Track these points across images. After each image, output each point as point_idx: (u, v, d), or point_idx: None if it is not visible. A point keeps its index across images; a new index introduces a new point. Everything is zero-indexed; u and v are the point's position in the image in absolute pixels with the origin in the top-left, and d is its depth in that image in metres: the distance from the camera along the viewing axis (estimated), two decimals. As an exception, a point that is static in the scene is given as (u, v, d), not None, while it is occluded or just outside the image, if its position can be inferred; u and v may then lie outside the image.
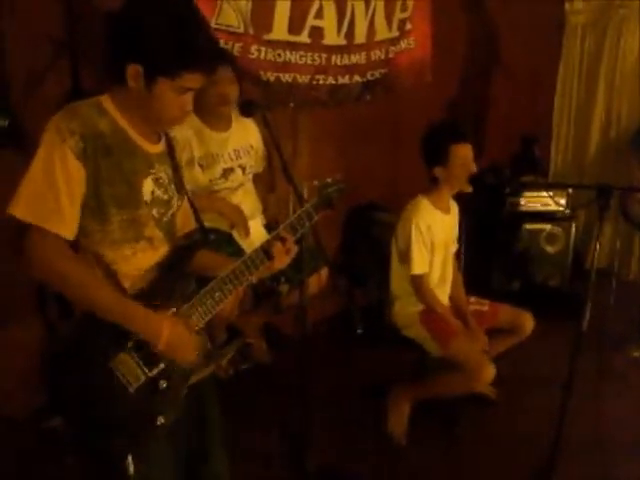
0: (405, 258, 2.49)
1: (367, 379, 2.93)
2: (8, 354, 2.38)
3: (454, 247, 2.70)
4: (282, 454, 2.35)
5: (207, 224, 2.49)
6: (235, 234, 2.56)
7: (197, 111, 2.49)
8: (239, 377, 2.84)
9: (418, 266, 2.46)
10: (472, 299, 2.70)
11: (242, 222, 2.54)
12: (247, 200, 2.69)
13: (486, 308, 2.65)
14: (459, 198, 2.67)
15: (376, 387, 2.74)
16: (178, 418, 1.43)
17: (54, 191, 1.26)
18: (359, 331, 3.34)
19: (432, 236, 2.50)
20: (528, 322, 2.58)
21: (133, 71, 1.30)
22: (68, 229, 1.29)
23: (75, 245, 1.34)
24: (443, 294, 2.62)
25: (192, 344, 1.42)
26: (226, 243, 2.50)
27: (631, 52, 4.27)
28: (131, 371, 1.35)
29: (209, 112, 2.49)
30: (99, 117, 1.33)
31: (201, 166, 2.49)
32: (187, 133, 2.44)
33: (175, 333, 1.36)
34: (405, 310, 2.58)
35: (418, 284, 2.49)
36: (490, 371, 2.32)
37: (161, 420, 1.38)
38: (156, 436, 1.39)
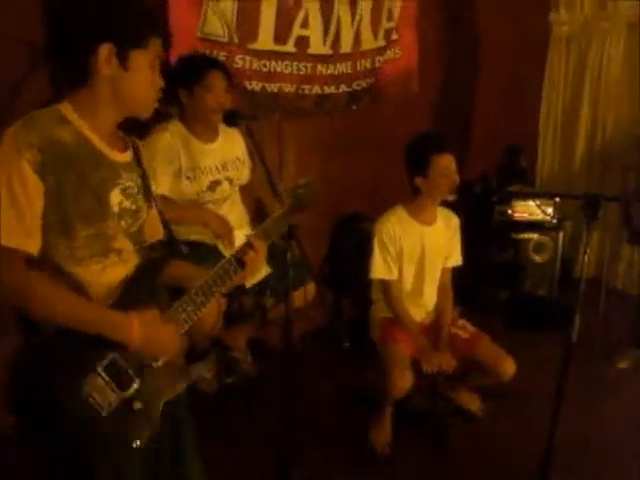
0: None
1: (353, 392, 2.89)
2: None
3: (443, 262, 2.64)
4: (268, 468, 2.30)
5: (193, 237, 2.49)
6: (220, 245, 2.52)
7: (184, 121, 2.47)
8: (224, 391, 2.79)
9: (376, 271, 2.51)
10: (460, 322, 2.64)
11: (227, 233, 2.51)
12: (234, 211, 2.67)
13: (466, 336, 2.56)
14: (448, 207, 2.66)
15: (361, 399, 2.71)
16: (153, 440, 1.36)
17: (16, 208, 1.21)
18: (345, 344, 3.30)
19: (400, 245, 2.50)
20: (508, 367, 2.42)
21: (106, 51, 1.26)
22: (33, 245, 1.24)
23: (42, 264, 1.28)
24: (416, 307, 2.59)
25: (168, 334, 1.35)
26: (211, 255, 2.46)
27: (616, 62, 4.29)
28: (103, 394, 1.26)
29: (198, 122, 2.46)
30: (60, 127, 1.27)
31: (188, 178, 2.46)
32: (175, 144, 2.42)
33: (147, 326, 1.30)
34: (375, 314, 2.63)
35: (385, 290, 2.53)
36: (403, 385, 2.30)
37: (137, 443, 1.31)
38: (131, 460, 1.33)
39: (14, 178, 1.20)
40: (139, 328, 1.29)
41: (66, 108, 1.30)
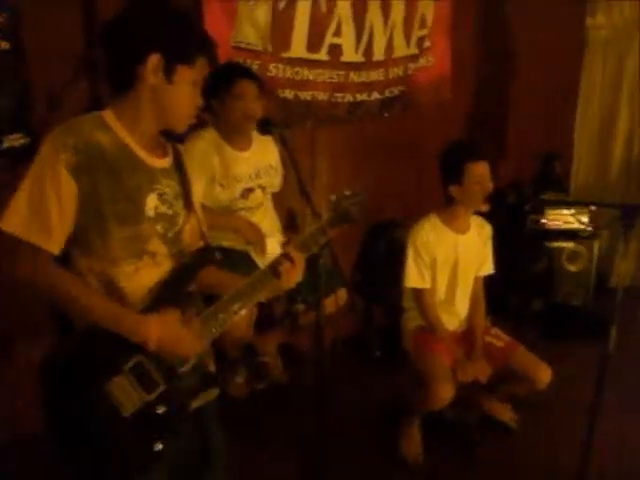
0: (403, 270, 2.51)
1: (384, 401, 2.87)
2: (20, 371, 2.38)
3: (476, 270, 2.62)
4: (296, 474, 2.30)
5: (225, 243, 2.51)
6: (252, 252, 2.54)
7: (219, 129, 2.50)
8: (255, 397, 2.80)
9: (411, 279, 2.48)
10: (493, 331, 2.61)
11: (259, 240, 2.53)
12: (266, 219, 2.68)
13: (501, 344, 2.53)
14: (480, 215, 2.63)
15: (391, 407, 2.69)
16: (179, 447, 1.38)
17: (43, 205, 1.26)
18: (377, 354, 3.28)
19: (434, 253, 2.48)
20: (543, 376, 2.39)
21: (155, 60, 1.30)
22: (54, 244, 1.28)
23: (78, 263, 1.33)
24: (449, 315, 2.56)
25: (186, 336, 1.36)
26: (243, 261, 2.49)
27: (654, 67, 4.21)
28: (127, 395, 1.30)
29: (231, 130, 2.50)
30: (100, 132, 1.31)
31: (221, 185, 2.49)
32: (210, 151, 2.45)
33: (165, 327, 1.32)
34: (407, 323, 2.60)
35: (418, 298, 2.51)
36: (445, 394, 2.26)
37: (159, 447, 1.31)
38: (154, 463, 1.33)
39: (47, 177, 1.25)
40: (156, 329, 1.31)
41: (108, 115, 1.35)
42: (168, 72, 1.32)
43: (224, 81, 2.41)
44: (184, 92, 1.36)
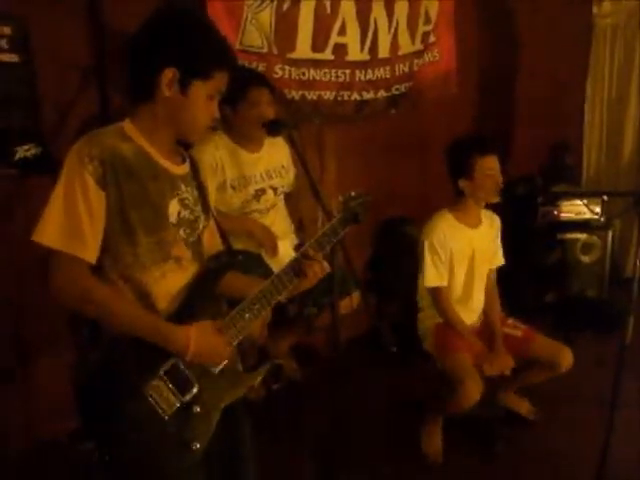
0: (420, 270, 2.49)
1: (400, 397, 2.87)
2: (44, 379, 2.41)
3: (489, 263, 2.62)
4: (314, 474, 2.31)
5: (237, 246, 2.52)
6: (264, 255, 2.55)
7: (230, 133, 2.51)
8: (271, 398, 2.81)
9: (430, 278, 2.46)
10: (509, 321, 2.60)
11: (271, 242, 2.54)
12: (278, 221, 2.69)
13: (519, 334, 2.52)
14: (491, 209, 2.62)
15: (410, 405, 2.69)
16: (212, 441, 1.42)
17: (75, 216, 1.28)
18: (393, 349, 3.27)
19: (450, 250, 2.47)
20: (566, 358, 2.40)
21: (170, 75, 1.32)
22: (90, 253, 1.31)
23: (108, 271, 1.35)
24: (467, 311, 2.55)
25: (220, 346, 1.41)
26: (256, 264, 2.50)
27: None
28: (164, 398, 1.34)
29: (243, 134, 2.50)
30: (122, 142, 1.35)
31: (233, 188, 2.50)
32: (220, 155, 2.46)
33: (201, 339, 1.36)
34: (425, 322, 2.58)
35: (435, 297, 2.49)
36: (475, 393, 2.24)
37: (196, 445, 1.37)
38: (192, 461, 1.38)
39: (76, 188, 1.28)
40: (193, 340, 1.35)
41: (128, 126, 1.38)
42: (183, 86, 1.34)
43: (239, 88, 2.41)
44: (199, 105, 1.37)
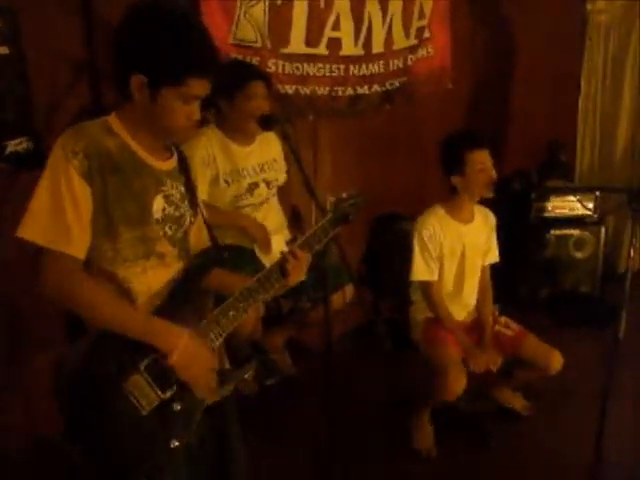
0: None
1: (394, 391, 2.87)
2: (42, 376, 2.39)
3: (482, 260, 2.62)
4: (308, 470, 2.31)
5: (229, 240, 2.52)
6: (257, 250, 2.54)
7: (222, 127, 2.50)
8: (264, 392, 2.81)
9: (418, 272, 2.48)
10: (502, 319, 2.61)
11: (264, 238, 2.53)
12: (271, 215, 2.68)
13: (510, 333, 2.53)
14: (484, 205, 2.62)
15: (402, 400, 2.70)
16: (201, 438, 1.40)
17: (60, 211, 1.26)
18: (387, 345, 3.28)
19: (440, 245, 2.48)
20: (555, 361, 2.41)
21: (137, 82, 1.29)
22: (77, 248, 1.29)
23: (88, 266, 1.33)
24: (457, 306, 2.56)
25: (207, 364, 1.38)
26: (248, 260, 2.49)
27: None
28: (144, 393, 1.31)
29: (236, 127, 2.49)
30: (107, 136, 1.33)
31: (226, 182, 2.50)
32: (212, 149, 2.45)
33: (191, 347, 1.33)
34: (416, 316, 2.60)
35: (426, 291, 2.50)
36: (458, 385, 2.26)
37: (175, 443, 1.34)
38: (171, 460, 1.35)
39: (61, 183, 1.27)
40: (184, 346, 1.32)
41: (113, 120, 1.37)
42: (152, 92, 1.30)
43: (236, 82, 2.40)
44: (171, 111, 1.32)
